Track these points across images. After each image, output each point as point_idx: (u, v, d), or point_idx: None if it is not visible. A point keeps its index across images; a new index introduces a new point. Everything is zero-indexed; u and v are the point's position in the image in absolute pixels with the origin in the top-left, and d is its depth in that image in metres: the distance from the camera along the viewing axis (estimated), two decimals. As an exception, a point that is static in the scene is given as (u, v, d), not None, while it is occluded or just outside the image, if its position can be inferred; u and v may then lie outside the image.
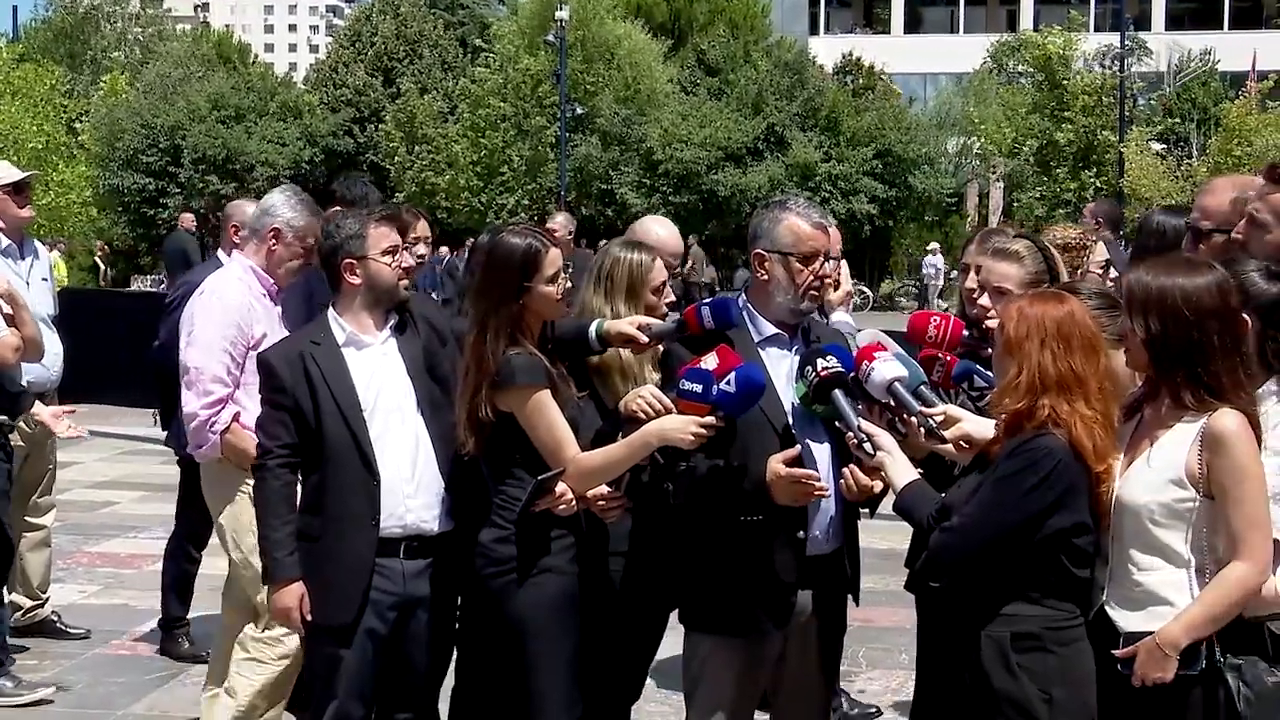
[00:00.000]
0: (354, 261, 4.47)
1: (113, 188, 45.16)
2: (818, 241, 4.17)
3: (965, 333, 4.24)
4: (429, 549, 4.45)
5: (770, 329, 4.21)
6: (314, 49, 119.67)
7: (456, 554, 4.38)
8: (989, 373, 4.00)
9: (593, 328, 4.34)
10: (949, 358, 4.15)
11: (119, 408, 14.31)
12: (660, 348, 4.46)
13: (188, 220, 22.72)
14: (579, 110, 41.68)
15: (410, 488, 4.42)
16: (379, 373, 4.47)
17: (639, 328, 4.29)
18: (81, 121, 48.17)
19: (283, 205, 5.48)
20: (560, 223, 9.56)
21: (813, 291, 4.18)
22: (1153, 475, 3.47)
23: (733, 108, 42.59)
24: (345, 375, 4.42)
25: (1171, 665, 3.38)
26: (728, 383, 3.87)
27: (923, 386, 3.92)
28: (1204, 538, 3.43)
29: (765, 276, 4.20)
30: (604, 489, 4.19)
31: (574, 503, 4.13)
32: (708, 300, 4.30)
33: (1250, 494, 3.38)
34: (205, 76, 49.15)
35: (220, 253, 6.48)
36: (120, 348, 14.48)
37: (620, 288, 4.57)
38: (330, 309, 4.58)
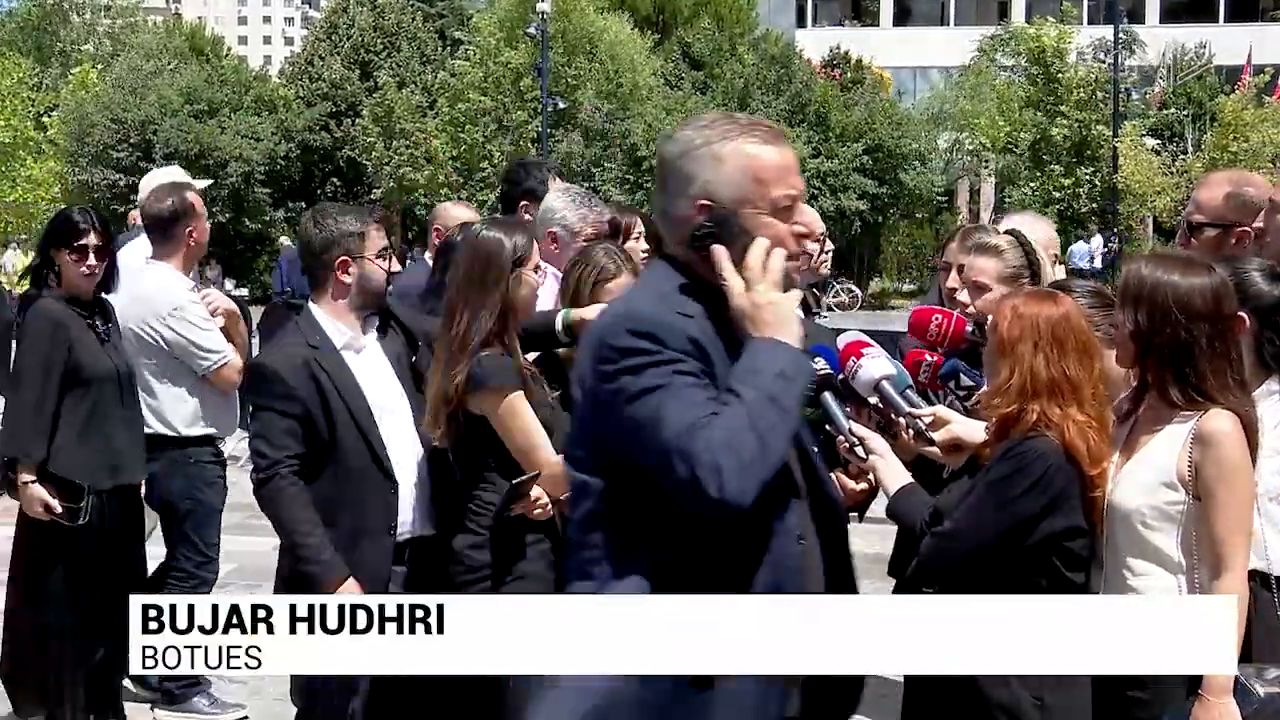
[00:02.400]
0: (349, 260, 4.44)
1: (82, 184, 44.99)
2: None
3: (969, 329, 4.24)
4: (421, 552, 4.45)
5: (754, 328, 4.20)
6: (289, 41, 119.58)
7: (432, 559, 4.37)
8: (976, 371, 4.00)
9: (559, 319, 4.35)
10: (936, 358, 4.15)
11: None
12: None
13: (135, 217, 22.54)
14: (561, 105, 41.67)
15: (416, 492, 4.43)
16: (377, 376, 4.47)
17: None
18: (50, 116, 48.05)
19: (561, 208, 5.44)
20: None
21: None
22: (1144, 477, 3.48)
23: (718, 102, 42.58)
24: (353, 380, 4.39)
25: (1233, 711, 3.36)
26: None
27: (909, 390, 3.93)
28: (1194, 540, 3.44)
29: None
30: None
31: (549, 507, 4.12)
32: None
33: (1236, 498, 3.39)
34: (177, 69, 49.02)
35: (427, 255, 6.63)
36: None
37: (569, 291, 4.59)
38: (312, 306, 4.54)
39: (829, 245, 6.01)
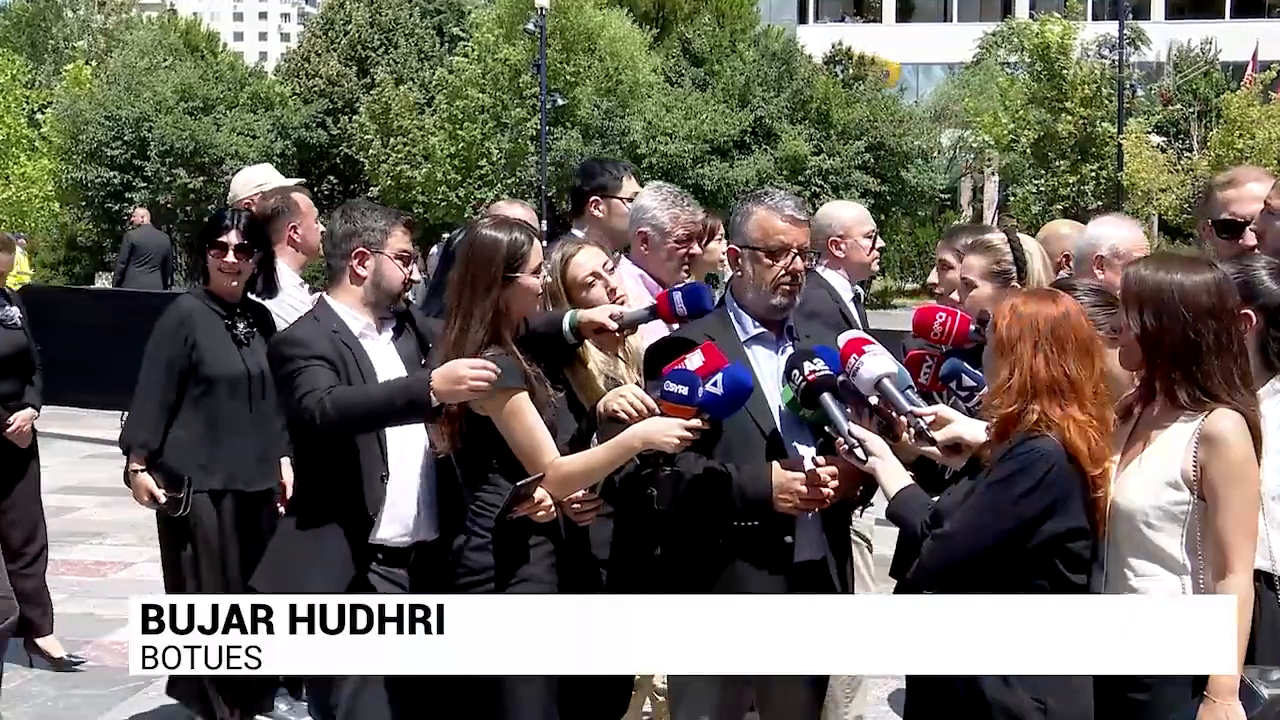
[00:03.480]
0: (366, 253, 4.48)
1: (76, 181, 44.98)
2: (788, 236, 4.17)
3: (972, 328, 4.26)
4: (423, 556, 4.46)
5: (756, 327, 4.23)
6: (285, 38, 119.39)
7: (435, 561, 4.37)
8: (976, 371, 4.02)
9: (566, 320, 4.35)
10: (936, 357, 4.17)
11: (83, 410, 14.24)
12: (640, 346, 4.47)
13: (143, 216, 22.54)
14: (560, 102, 41.63)
15: (423, 494, 4.44)
16: (388, 369, 4.48)
17: (611, 316, 4.30)
18: (44, 113, 48.00)
19: (653, 206, 5.39)
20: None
21: (784, 286, 4.18)
22: (1148, 477, 3.49)
23: (719, 99, 42.59)
24: (369, 360, 4.44)
25: (1239, 710, 3.37)
26: (714, 384, 3.87)
27: (909, 390, 3.94)
28: (1198, 541, 3.45)
29: (740, 273, 4.25)
30: (579, 492, 4.20)
31: (553, 509, 4.12)
32: (679, 286, 4.31)
33: (1241, 498, 3.40)
34: (172, 66, 48.96)
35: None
36: (84, 347, 14.42)
37: (549, 292, 4.55)
38: (327, 297, 4.57)
39: (879, 241, 6.06)
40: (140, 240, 20.22)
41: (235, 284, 5.62)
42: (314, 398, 4.19)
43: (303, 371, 4.28)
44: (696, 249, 5.46)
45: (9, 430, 6.85)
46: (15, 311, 6.97)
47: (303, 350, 4.33)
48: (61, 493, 11.49)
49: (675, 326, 4.42)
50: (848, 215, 5.94)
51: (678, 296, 4.26)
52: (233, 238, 5.57)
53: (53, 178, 44.66)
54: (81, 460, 13.07)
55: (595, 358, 4.53)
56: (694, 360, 3.96)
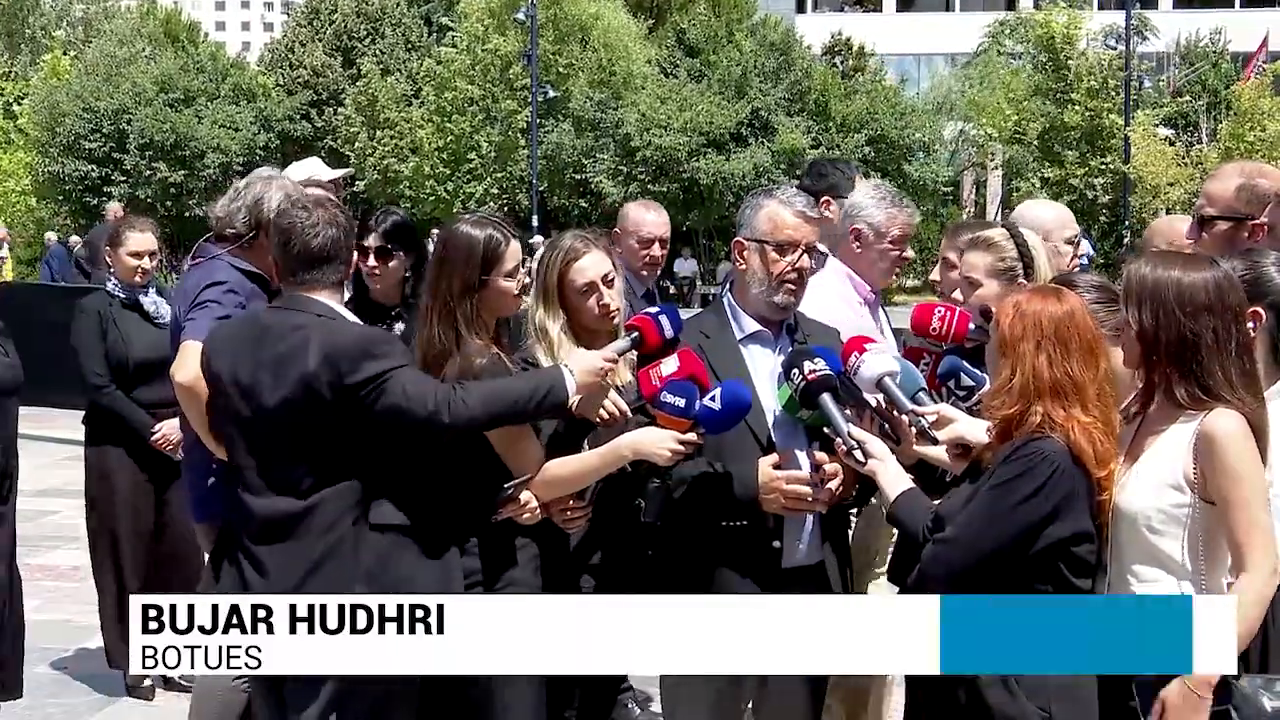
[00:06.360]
0: (353, 250, 4.36)
1: (53, 175, 44.98)
2: (798, 232, 4.16)
3: (971, 326, 4.27)
4: None
5: (753, 325, 4.22)
6: (268, 27, 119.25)
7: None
8: (975, 370, 4.03)
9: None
10: (934, 356, 4.18)
11: (60, 410, 14.21)
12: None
13: (116, 211, 22.43)
14: (551, 94, 41.65)
15: None
16: None
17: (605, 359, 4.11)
18: (20, 105, 48.01)
19: (868, 205, 5.30)
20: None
21: (788, 284, 4.16)
22: (1149, 480, 3.49)
23: (715, 91, 42.61)
24: None
25: (1205, 708, 3.38)
26: (712, 399, 3.87)
27: (921, 392, 3.93)
28: (1200, 544, 3.46)
29: (743, 266, 4.22)
30: (570, 499, 4.17)
31: (539, 511, 4.12)
32: (655, 311, 4.26)
33: (1247, 497, 3.40)
34: (152, 56, 48.98)
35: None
36: (61, 346, 14.36)
37: (539, 276, 4.42)
38: (336, 305, 4.27)
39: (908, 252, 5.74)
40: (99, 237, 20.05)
41: (378, 287, 5.32)
42: (446, 392, 3.95)
43: (402, 369, 3.99)
44: (910, 252, 5.39)
45: (154, 439, 6.69)
46: (166, 307, 6.66)
47: (397, 347, 4.08)
48: (38, 496, 11.47)
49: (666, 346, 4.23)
50: (1047, 216, 5.46)
51: (664, 319, 4.22)
52: (373, 240, 5.26)
53: (29, 171, 44.66)
54: (58, 463, 13.04)
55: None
56: (668, 365, 3.95)
